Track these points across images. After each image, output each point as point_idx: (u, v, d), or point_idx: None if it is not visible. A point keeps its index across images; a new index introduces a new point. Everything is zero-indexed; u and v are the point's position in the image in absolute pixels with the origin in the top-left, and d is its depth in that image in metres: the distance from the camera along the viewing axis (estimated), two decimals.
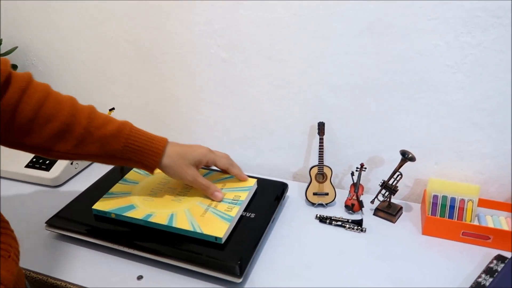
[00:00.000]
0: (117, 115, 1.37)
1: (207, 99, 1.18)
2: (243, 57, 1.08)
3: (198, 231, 0.85)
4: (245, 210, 0.95)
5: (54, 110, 0.75)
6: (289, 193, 1.10)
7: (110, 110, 1.17)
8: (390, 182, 0.98)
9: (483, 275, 0.81)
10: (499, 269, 0.82)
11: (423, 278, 0.82)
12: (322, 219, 0.99)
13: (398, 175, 0.97)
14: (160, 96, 1.24)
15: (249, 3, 1.01)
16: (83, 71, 1.30)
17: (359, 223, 0.97)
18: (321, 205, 1.05)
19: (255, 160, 1.22)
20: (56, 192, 1.13)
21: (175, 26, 1.11)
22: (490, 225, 0.97)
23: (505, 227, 0.96)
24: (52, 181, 1.13)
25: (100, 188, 1.02)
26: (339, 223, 0.98)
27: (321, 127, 1.05)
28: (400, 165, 0.97)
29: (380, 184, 0.99)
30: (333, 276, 0.83)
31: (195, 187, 0.92)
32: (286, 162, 1.20)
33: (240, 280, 0.79)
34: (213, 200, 0.93)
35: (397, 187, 0.98)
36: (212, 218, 0.89)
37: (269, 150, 1.19)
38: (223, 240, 0.84)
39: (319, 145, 1.04)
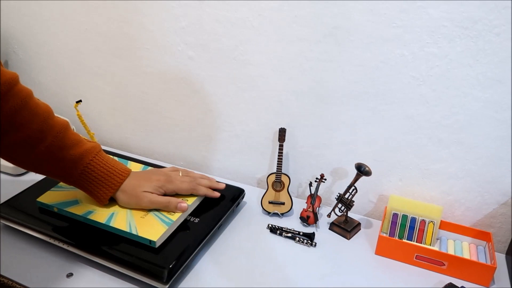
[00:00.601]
0: (88, 108, 1.37)
1: (173, 97, 1.16)
2: (208, 56, 1.05)
3: (134, 232, 0.82)
4: (192, 214, 0.92)
5: (25, 121, 0.74)
6: (249, 199, 1.06)
7: (77, 102, 1.16)
8: (346, 196, 0.93)
9: None
10: None
11: None
12: (273, 230, 0.95)
13: (353, 190, 0.92)
14: (129, 90, 1.22)
15: (213, 2, 0.98)
16: (60, 61, 1.30)
17: (310, 236, 0.93)
18: (276, 214, 1.01)
19: (220, 163, 1.19)
20: (16, 181, 1.12)
21: (145, 21, 1.09)
22: (451, 250, 0.90)
23: (466, 253, 0.89)
24: (13, 170, 1.13)
25: (55, 180, 1.01)
26: (290, 235, 0.93)
27: (281, 133, 1.01)
28: (355, 179, 0.92)
29: (336, 197, 0.95)
30: None
31: (156, 208, 0.89)
32: (250, 167, 1.16)
33: (166, 287, 0.75)
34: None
35: (353, 201, 0.93)
36: (151, 220, 0.86)
37: (234, 154, 1.16)
38: (157, 244, 0.81)
39: (279, 152, 1.00)
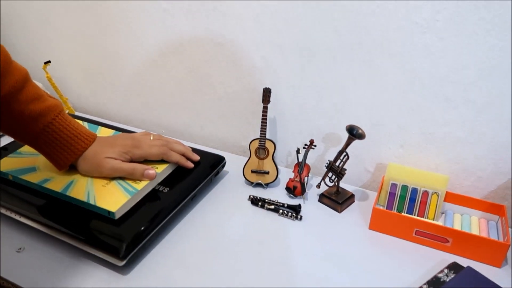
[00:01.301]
0: (58, 70, 1.26)
1: (148, 57, 1.04)
2: (185, 7, 0.93)
3: (92, 202, 0.72)
4: (162, 183, 0.81)
5: None
6: (232, 169, 0.95)
7: (46, 63, 1.06)
8: (337, 163, 0.82)
9: (424, 287, 0.64)
10: (447, 280, 0.65)
11: (353, 279, 0.67)
12: (254, 201, 0.84)
13: (344, 156, 0.80)
14: (101, 51, 1.11)
15: None
16: (31, 20, 1.19)
17: (295, 209, 0.82)
18: (260, 185, 0.90)
19: (203, 130, 1.08)
20: None
21: None
22: (457, 225, 0.78)
23: (475, 229, 0.77)
24: None
25: (17, 146, 0.91)
26: (273, 207, 0.82)
27: (265, 93, 0.89)
28: (347, 144, 0.80)
29: (326, 165, 0.83)
30: (244, 270, 0.68)
31: (120, 176, 0.79)
32: (235, 134, 1.05)
33: (122, 263, 0.66)
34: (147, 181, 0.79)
35: (345, 170, 0.81)
36: (113, 190, 0.76)
37: (217, 120, 1.05)
38: (117, 216, 0.71)
39: (262, 115, 0.88)
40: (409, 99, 0.81)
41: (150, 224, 0.71)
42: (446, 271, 0.67)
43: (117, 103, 1.17)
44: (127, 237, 0.68)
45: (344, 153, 0.79)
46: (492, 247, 0.69)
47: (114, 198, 0.74)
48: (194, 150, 0.91)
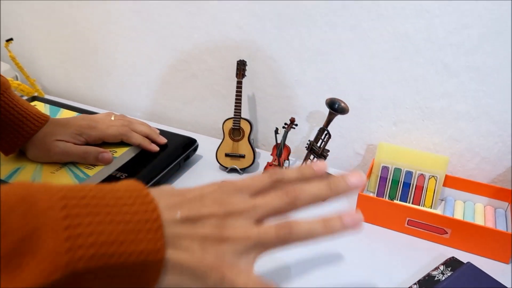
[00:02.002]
0: (28, 49, 1.18)
1: (120, 33, 0.95)
2: None
3: None
4: (121, 169, 0.72)
5: None
6: (207, 153, 0.85)
7: (8, 41, 0.97)
8: (318, 144, 0.71)
9: (414, 287, 0.54)
10: (442, 278, 0.54)
11: (333, 277, 0.57)
12: None
13: (326, 135, 0.69)
14: (69, 26, 1.02)
15: None
16: None
17: None
18: (235, 170, 0.80)
19: (179, 112, 0.98)
20: None
21: None
22: (459, 214, 0.67)
23: (479, 218, 0.66)
24: None
25: None
26: None
27: (240, 66, 0.79)
28: (328, 120, 0.69)
29: (306, 146, 0.72)
30: None
31: (72, 160, 0.70)
32: (213, 116, 0.95)
33: None
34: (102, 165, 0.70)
35: (327, 151, 0.71)
36: (63, 177, 0.67)
37: (193, 100, 0.95)
38: None
39: (236, 91, 0.78)
40: (401, 68, 0.70)
41: None
42: (442, 268, 0.57)
43: (91, 85, 1.08)
44: None
45: (326, 132, 0.69)
46: (499, 240, 0.58)
47: None
48: (164, 133, 0.81)
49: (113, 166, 0.71)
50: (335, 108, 0.66)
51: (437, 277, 0.55)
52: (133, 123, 0.77)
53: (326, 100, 0.67)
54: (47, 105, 0.90)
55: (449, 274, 0.55)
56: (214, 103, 0.92)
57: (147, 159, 0.75)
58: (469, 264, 0.55)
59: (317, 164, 0.40)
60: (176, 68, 0.92)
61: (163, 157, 0.76)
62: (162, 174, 0.73)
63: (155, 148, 0.76)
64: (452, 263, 0.57)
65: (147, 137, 0.77)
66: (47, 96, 1.07)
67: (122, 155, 0.73)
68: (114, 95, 1.06)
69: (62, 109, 0.89)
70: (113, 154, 0.72)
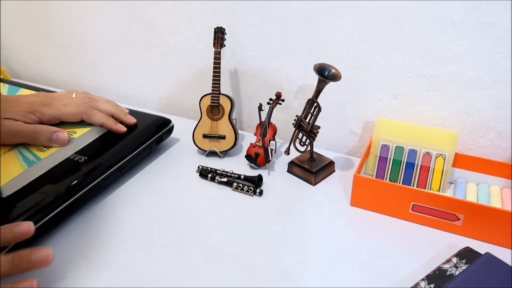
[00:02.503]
0: None
1: (88, 7, 0.85)
2: None
3: None
4: (80, 151, 0.62)
5: None
6: (185, 136, 0.76)
7: None
8: (307, 120, 0.61)
9: (421, 284, 0.44)
10: (456, 273, 0.45)
11: (328, 274, 0.47)
12: (203, 173, 0.65)
13: (315, 108, 0.60)
14: (42, 10, 0.92)
15: None
16: None
17: (253, 181, 0.62)
18: (215, 153, 0.71)
19: (156, 93, 0.89)
20: None
21: None
22: (472, 197, 0.58)
23: (496, 202, 0.56)
24: None
25: None
26: (225, 179, 0.63)
27: (218, 35, 0.69)
28: (317, 90, 0.59)
29: (294, 123, 0.63)
30: (184, 261, 0.49)
31: (21, 141, 0.61)
32: (193, 95, 0.85)
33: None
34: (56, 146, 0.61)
35: (317, 127, 0.61)
36: (10, 159, 0.58)
37: (170, 78, 0.85)
38: (6, 193, 0.54)
39: (214, 63, 0.68)
40: (401, 30, 0.60)
41: (52, 204, 0.53)
42: (455, 260, 0.47)
43: (61, 67, 0.99)
44: (12, 221, 0.49)
45: (315, 104, 0.59)
46: None
47: (6, 171, 0.55)
48: (135, 113, 0.72)
49: (71, 148, 0.62)
50: (325, 75, 0.57)
51: (450, 271, 0.45)
52: (96, 100, 0.67)
53: (315, 65, 0.57)
54: (6, 85, 0.80)
55: (464, 268, 0.45)
56: (192, 81, 0.82)
57: (112, 141, 0.65)
58: (488, 255, 0.45)
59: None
60: (150, 43, 0.83)
61: (131, 139, 0.67)
62: (128, 158, 0.64)
63: (122, 128, 0.67)
64: (467, 255, 0.47)
65: (113, 116, 0.67)
66: (14, 80, 0.98)
67: (82, 136, 0.63)
68: (86, 76, 0.96)
69: (21, 89, 0.79)
70: (71, 134, 0.63)
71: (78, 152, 0.62)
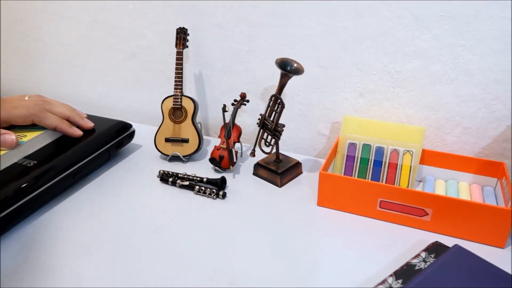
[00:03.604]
0: None
1: (49, 10, 0.82)
2: None
3: None
4: (31, 156, 0.58)
5: None
6: (148, 141, 0.72)
7: None
8: (272, 118, 0.59)
9: (389, 280, 0.42)
10: (425, 267, 0.42)
11: (295, 275, 0.44)
12: (164, 177, 0.62)
13: (278, 105, 0.58)
14: None
15: None
16: None
17: (217, 184, 0.59)
18: (178, 158, 0.67)
19: (121, 100, 0.86)
20: None
21: None
22: (441, 193, 0.56)
23: (465, 197, 0.55)
24: None
25: None
26: (187, 183, 0.60)
27: (180, 35, 0.67)
28: (280, 85, 0.57)
29: (258, 122, 0.60)
30: (141, 266, 0.45)
31: None
32: (158, 100, 0.82)
33: None
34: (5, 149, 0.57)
35: (282, 126, 0.59)
36: None
37: (135, 84, 0.82)
38: None
39: (176, 63, 0.66)
40: (367, 25, 0.59)
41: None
42: (424, 255, 0.45)
43: (21, 75, 0.95)
44: None
45: (279, 100, 0.57)
46: (491, 218, 0.47)
47: None
48: (93, 118, 0.68)
49: (20, 152, 0.58)
50: (288, 69, 0.55)
51: (419, 266, 0.43)
52: (51, 103, 0.64)
53: (277, 60, 0.55)
54: None
55: (432, 261, 0.43)
56: (157, 86, 0.80)
57: (67, 146, 0.61)
58: (457, 247, 0.43)
59: None
60: (112, 48, 0.80)
61: (88, 143, 0.63)
62: (83, 162, 0.60)
63: (77, 132, 0.63)
64: (436, 249, 0.45)
65: (68, 119, 0.63)
66: None
67: (33, 139, 0.60)
68: (46, 84, 0.93)
69: None
70: (21, 138, 0.59)
71: (28, 157, 0.58)
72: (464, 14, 0.53)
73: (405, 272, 0.42)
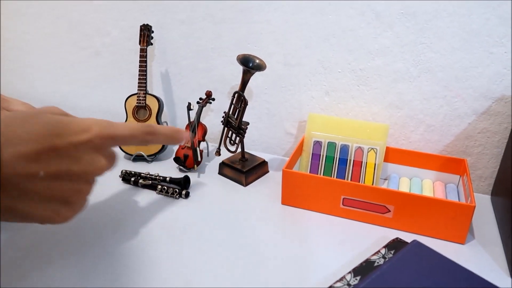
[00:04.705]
0: None
1: (10, 7, 0.80)
2: None
3: None
4: None
5: None
6: None
7: None
8: (236, 116, 0.58)
9: (347, 277, 0.41)
10: (382, 262, 0.42)
11: (257, 274, 0.43)
12: (126, 177, 0.60)
13: (241, 102, 0.57)
14: None
15: None
16: None
17: (180, 183, 0.58)
18: (141, 157, 0.66)
19: (86, 99, 0.83)
20: None
21: None
22: (405, 190, 0.56)
23: (428, 194, 0.55)
24: None
25: None
26: (149, 182, 0.58)
27: (143, 32, 0.66)
28: (243, 82, 0.57)
29: (222, 120, 0.59)
30: (96, 269, 0.43)
31: None
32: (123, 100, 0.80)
33: None
34: None
35: (246, 123, 0.58)
36: None
37: (101, 83, 0.80)
38: None
39: (140, 61, 0.65)
40: (328, 21, 0.59)
41: None
42: (383, 251, 0.44)
43: None
44: None
45: (242, 97, 0.56)
46: (451, 214, 0.47)
47: None
48: None
49: None
50: (250, 65, 0.54)
51: (378, 262, 0.42)
52: (8, 101, 0.61)
53: (238, 56, 0.55)
54: None
55: (390, 257, 0.42)
56: (122, 84, 0.78)
57: None
58: (415, 242, 0.43)
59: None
60: (77, 45, 0.78)
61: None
62: None
63: None
64: (395, 245, 0.45)
65: None
66: None
67: None
68: (6, 84, 0.90)
69: None
70: None
71: None
72: (424, 12, 0.54)
73: (364, 269, 0.42)
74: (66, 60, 0.80)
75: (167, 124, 0.67)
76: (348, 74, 0.61)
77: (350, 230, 0.50)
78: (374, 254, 0.44)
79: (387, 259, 0.43)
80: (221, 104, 0.71)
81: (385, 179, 0.61)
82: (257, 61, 0.54)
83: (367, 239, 0.48)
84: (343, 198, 0.51)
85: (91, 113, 0.84)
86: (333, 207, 0.52)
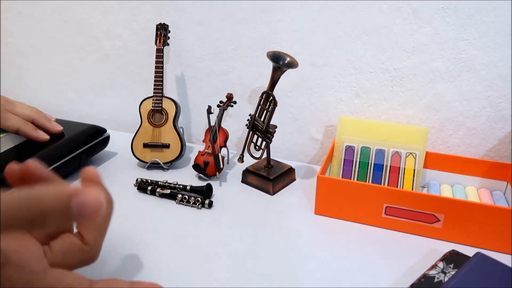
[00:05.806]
0: None
1: (13, 10, 0.75)
2: None
3: None
4: None
5: None
6: (125, 148, 0.66)
7: None
8: (262, 118, 0.54)
9: None
10: (445, 279, 0.37)
11: None
12: (142, 186, 0.55)
13: (270, 103, 0.52)
14: None
15: None
16: None
17: (202, 192, 0.53)
18: (157, 165, 0.61)
19: (93, 107, 0.79)
20: None
21: None
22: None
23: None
24: None
25: None
26: (168, 191, 0.53)
27: (160, 32, 0.62)
28: (272, 82, 0.52)
29: (247, 124, 0.55)
30: None
31: None
32: (135, 107, 0.75)
33: None
34: None
35: (274, 126, 0.53)
36: None
37: (109, 89, 0.76)
38: None
39: (156, 61, 0.61)
40: (359, 19, 0.55)
41: None
42: (441, 265, 0.39)
43: None
44: None
45: (270, 97, 0.52)
46: (504, 223, 0.42)
47: None
48: (62, 122, 0.61)
49: None
50: (280, 64, 0.50)
51: (438, 278, 0.37)
52: (13, 103, 0.57)
53: (268, 53, 0.50)
54: None
55: (453, 273, 0.37)
56: (133, 90, 0.73)
57: (31, 151, 0.54)
58: (480, 255, 0.38)
59: None
60: (84, 50, 0.74)
61: (55, 149, 0.56)
62: (49, 170, 0.53)
63: (43, 136, 0.56)
64: (454, 258, 0.40)
65: (33, 122, 0.56)
66: None
67: None
68: (11, 89, 0.85)
69: None
70: None
71: None
72: (467, 6, 0.50)
73: (424, 285, 0.37)
74: (72, 66, 0.76)
75: (183, 130, 0.63)
76: (381, 75, 0.57)
77: (395, 242, 0.45)
78: (431, 269, 0.39)
79: (448, 273, 0.38)
80: (240, 109, 0.66)
81: (423, 187, 0.56)
82: (288, 58, 0.50)
83: (416, 253, 0.43)
84: (386, 207, 0.47)
85: (99, 121, 0.78)
86: (375, 217, 0.48)
